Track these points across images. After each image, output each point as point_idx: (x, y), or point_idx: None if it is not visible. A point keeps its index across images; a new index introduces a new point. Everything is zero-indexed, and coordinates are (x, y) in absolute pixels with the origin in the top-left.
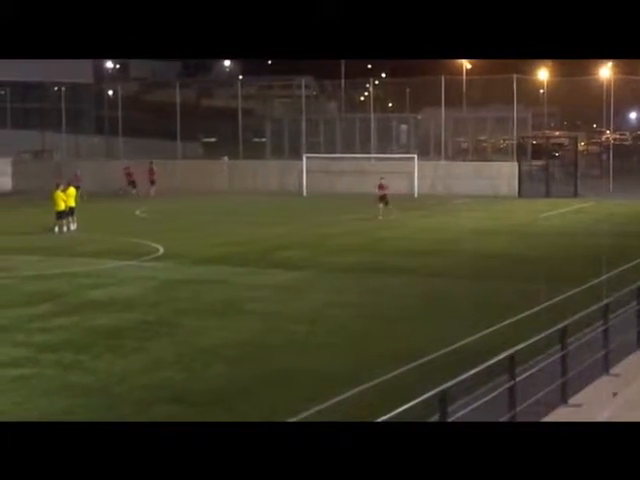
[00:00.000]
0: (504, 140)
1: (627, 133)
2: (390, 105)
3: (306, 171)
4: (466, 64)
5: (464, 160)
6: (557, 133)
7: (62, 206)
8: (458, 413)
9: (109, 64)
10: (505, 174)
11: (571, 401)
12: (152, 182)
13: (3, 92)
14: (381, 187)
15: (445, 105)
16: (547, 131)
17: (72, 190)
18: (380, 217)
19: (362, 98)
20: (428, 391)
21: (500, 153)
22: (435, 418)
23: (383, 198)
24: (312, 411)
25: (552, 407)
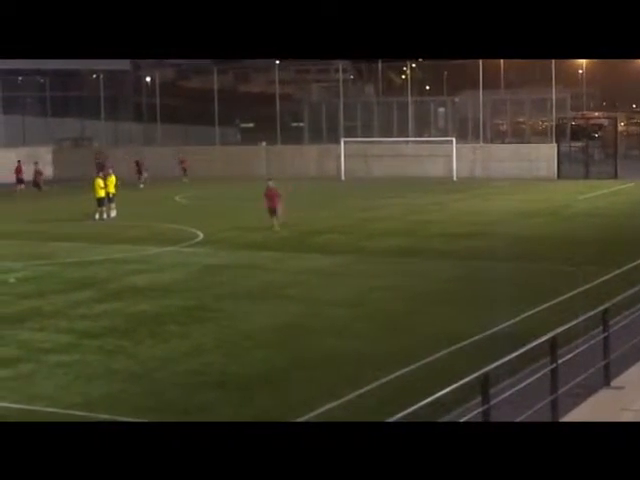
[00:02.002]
0: (543, 122)
1: None
2: (427, 88)
3: (344, 155)
4: None
5: (503, 142)
6: (596, 114)
7: (102, 193)
8: (500, 396)
9: None
10: (544, 156)
11: (613, 383)
12: (184, 170)
13: (42, 81)
14: (270, 195)
15: (483, 87)
16: (586, 112)
17: (112, 177)
18: (277, 228)
19: (399, 81)
20: (470, 374)
21: (539, 135)
22: (477, 401)
23: (272, 211)
24: (353, 395)
25: (594, 390)
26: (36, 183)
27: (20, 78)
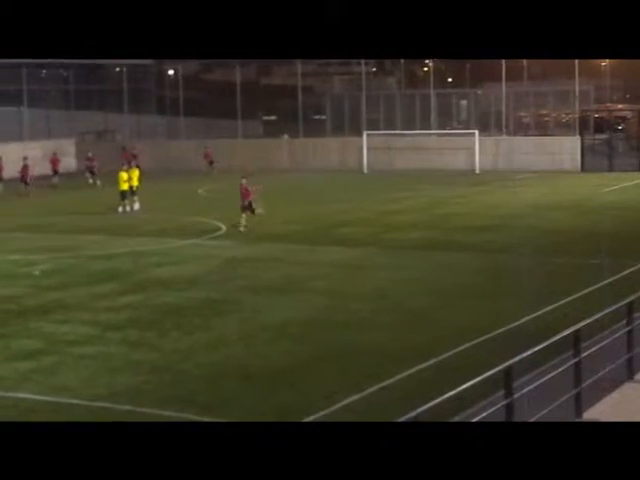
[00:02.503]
0: (566, 114)
1: None
2: (450, 80)
3: (366, 148)
4: None
5: (526, 135)
6: (620, 106)
7: (125, 186)
8: (523, 389)
9: None
10: (567, 148)
11: (637, 377)
12: (210, 163)
13: (66, 74)
14: (246, 192)
15: (506, 79)
16: (610, 104)
17: (136, 170)
18: (242, 228)
19: (421, 73)
20: (493, 367)
21: (562, 127)
22: (500, 394)
23: (248, 207)
24: (375, 387)
25: (618, 383)
26: (23, 179)
27: (44, 71)
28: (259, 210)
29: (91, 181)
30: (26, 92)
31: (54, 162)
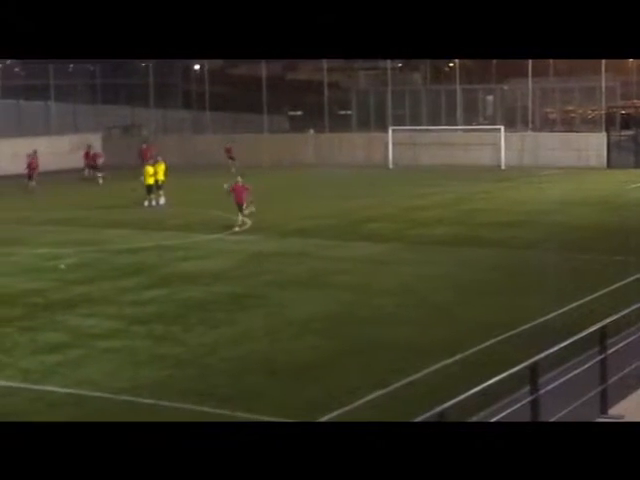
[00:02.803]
0: (592, 110)
1: None
2: (476, 76)
3: (392, 143)
4: None
5: (551, 131)
6: None
7: (151, 180)
8: (548, 386)
9: None
10: (593, 145)
11: None
12: (231, 159)
13: (93, 68)
14: (237, 191)
15: (532, 75)
16: (636, 100)
17: (162, 165)
18: (237, 228)
19: (447, 69)
20: (518, 363)
21: (588, 123)
22: (525, 390)
23: (240, 206)
24: (402, 382)
25: None
26: (30, 175)
27: (71, 66)
28: (251, 208)
29: (98, 176)
30: (53, 87)
31: (87, 156)
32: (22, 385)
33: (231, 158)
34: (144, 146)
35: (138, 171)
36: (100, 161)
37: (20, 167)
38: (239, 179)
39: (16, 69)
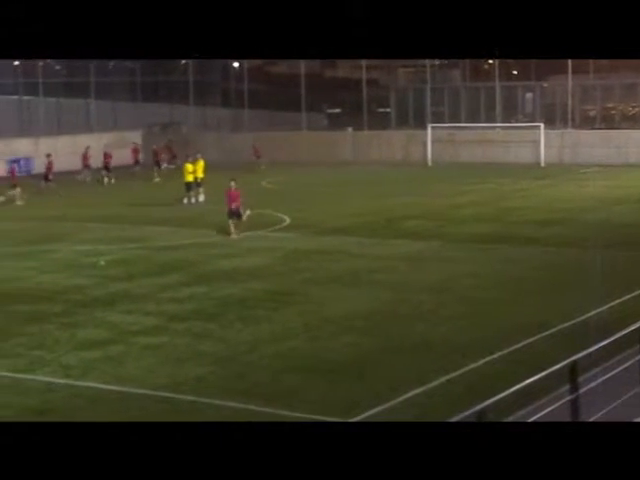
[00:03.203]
0: (632, 107)
1: None
2: (515, 73)
3: (430, 141)
4: None
5: (591, 128)
6: None
7: (190, 178)
8: (589, 384)
9: None
10: (634, 141)
11: None
12: (258, 157)
13: (132, 66)
14: (233, 196)
15: (572, 72)
16: None
17: (201, 162)
18: (234, 235)
19: (486, 66)
20: (558, 362)
21: (629, 120)
22: (565, 389)
23: (235, 213)
24: (440, 380)
25: None
26: (46, 176)
27: (111, 64)
28: (247, 212)
29: (106, 180)
30: (94, 84)
31: (135, 151)
32: (63, 381)
33: (257, 156)
34: (155, 147)
35: (149, 173)
36: (138, 157)
37: (61, 164)
38: (232, 183)
39: (57, 67)
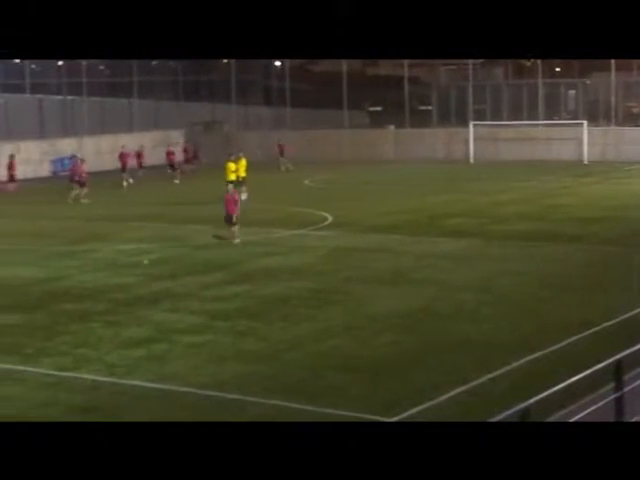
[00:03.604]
0: None
1: None
2: (558, 70)
3: (473, 138)
4: None
5: (635, 125)
6: None
7: (232, 176)
8: (633, 383)
9: None
10: None
11: None
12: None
13: (175, 65)
14: (231, 201)
15: (615, 69)
16: None
17: (243, 161)
18: (237, 240)
19: (529, 63)
20: (602, 360)
21: None
22: (609, 387)
23: (229, 218)
24: (483, 379)
25: None
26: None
27: (154, 63)
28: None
29: (125, 183)
30: (136, 84)
31: (185, 151)
32: (108, 379)
33: (282, 155)
34: (170, 148)
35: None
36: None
37: (104, 164)
38: (229, 187)
39: (100, 67)
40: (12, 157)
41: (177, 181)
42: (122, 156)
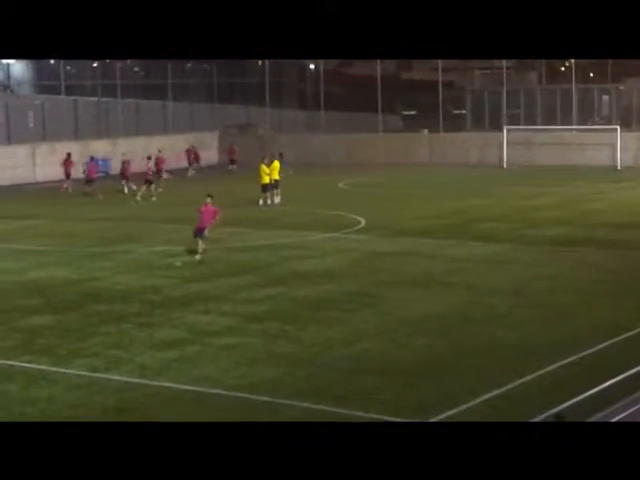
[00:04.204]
0: None
1: None
2: (591, 75)
3: (506, 143)
4: None
5: None
6: None
7: (266, 179)
8: None
9: None
10: None
11: None
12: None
13: (209, 68)
14: (208, 214)
15: None
16: None
17: (276, 163)
18: (198, 256)
19: (563, 68)
20: (634, 366)
21: None
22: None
23: (199, 231)
24: (516, 383)
25: None
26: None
27: (188, 65)
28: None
29: (129, 192)
30: (171, 86)
31: (231, 152)
32: (140, 380)
33: (233, 160)
34: (186, 149)
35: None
36: (234, 156)
37: (139, 166)
38: (208, 199)
39: (135, 69)
40: (69, 156)
41: (160, 189)
42: (158, 161)
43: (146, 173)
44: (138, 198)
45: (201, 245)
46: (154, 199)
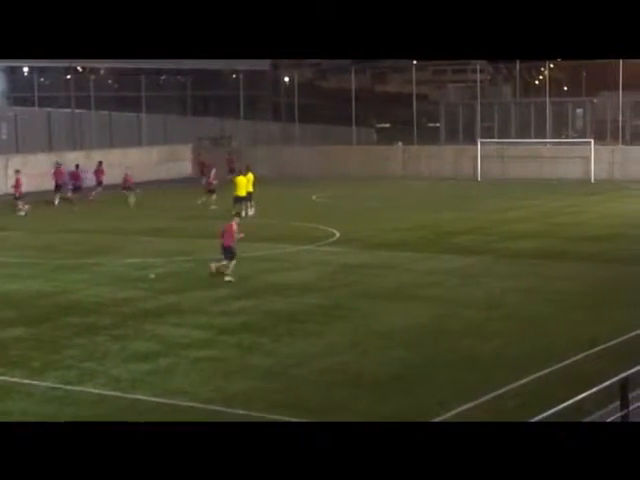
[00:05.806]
0: None
1: None
2: (565, 89)
3: (480, 156)
4: None
5: None
6: None
7: (242, 192)
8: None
9: None
10: None
11: None
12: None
13: (183, 80)
14: (230, 234)
15: (623, 88)
16: None
17: (250, 175)
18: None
19: (537, 82)
20: (608, 378)
21: None
22: (615, 405)
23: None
24: (490, 396)
25: None
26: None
27: (162, 78)
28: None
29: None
30: (145, 98)
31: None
32: (113, 393)
33: (203, 174)
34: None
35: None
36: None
37: (114, 178)
38: (236, 221)
39: (109, 81)
40: (101, 164)
41: (76, 209)
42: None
43: (209, 182)
44: (213, 207)
45: (230, 266)
46: (214, 207)
